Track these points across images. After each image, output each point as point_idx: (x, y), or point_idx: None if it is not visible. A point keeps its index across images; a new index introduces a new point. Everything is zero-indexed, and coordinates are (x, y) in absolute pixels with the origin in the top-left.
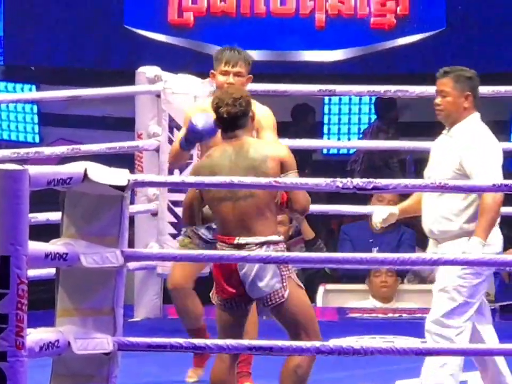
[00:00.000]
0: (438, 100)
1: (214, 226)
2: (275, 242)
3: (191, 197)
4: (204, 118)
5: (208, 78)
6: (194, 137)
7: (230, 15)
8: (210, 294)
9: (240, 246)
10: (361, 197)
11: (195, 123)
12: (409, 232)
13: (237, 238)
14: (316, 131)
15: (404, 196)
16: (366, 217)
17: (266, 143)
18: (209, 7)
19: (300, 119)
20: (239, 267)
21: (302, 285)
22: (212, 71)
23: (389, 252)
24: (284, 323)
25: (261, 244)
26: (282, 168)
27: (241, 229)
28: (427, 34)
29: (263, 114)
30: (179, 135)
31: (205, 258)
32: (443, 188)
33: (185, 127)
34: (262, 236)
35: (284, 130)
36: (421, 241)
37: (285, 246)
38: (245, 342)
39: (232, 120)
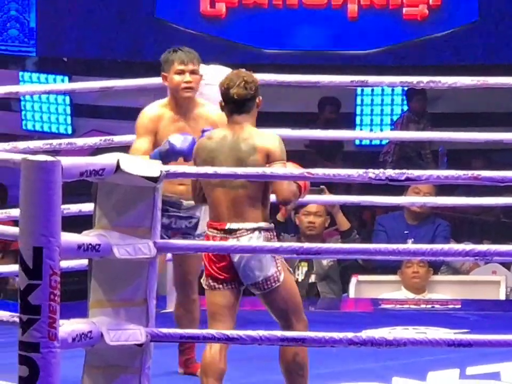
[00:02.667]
0: None
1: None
2: (266, 229)
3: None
4: (182, 139)
5: (241, 69)
6: (171, 158)
7: (262, 6)
8: (202, 280)
9: (231, 232)
10: (395, 188)
11: (174, 144)
12: (444, 224)
13: (228, 223)
14: (344, 123)
15: (439, 187)
16: (401, 209)
17: (260, 134)
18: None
19: (325, 111)
20: (232, 254)
21: (291, 269)
22: (164, 73)
23: (424, 243)
24: (275, 309)
25: (252, 230)
26: (268, 159)
27: (233, 215)
28: (459, 26)
29: (218, 114)
30: (137, 145)
31: (235, 249)
32: (476, 179)
33: (142, 135)
34: (254, 222)
35: (310, 121)
36: (455, 233)
37: (275, 233)
38: (278, 333)
39: (241, 102)
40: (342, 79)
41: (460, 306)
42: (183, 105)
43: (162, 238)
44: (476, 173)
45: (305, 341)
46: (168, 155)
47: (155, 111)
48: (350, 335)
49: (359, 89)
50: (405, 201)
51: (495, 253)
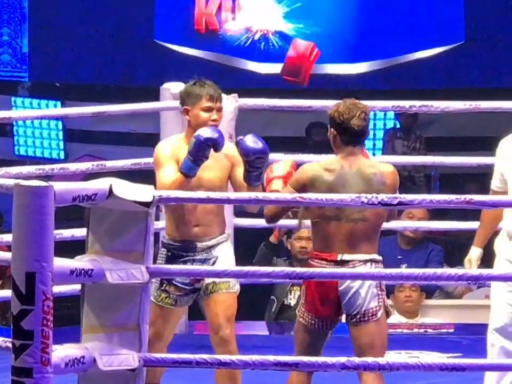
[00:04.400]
0: None
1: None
2: (377, 261)
3: (276, 211)
4: (210, 129)
5: (233, 94)
6: (203, 151)
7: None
8: (297, 311)
9: (343, 263)
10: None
11: (202, 134)
12: (437, 249)
13: (340, 254)
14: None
15: (433, 212)
16: (395, 233)
17: (380, 165)
18: (237, 22)
19: (312, 135)
20: (340, 283)
21: (390, 310)
22: (186, 106)
23: (418, 268)
24: (362, 343)
25: (365, 261)
26: (393, 190)
27: (346, 246)
28: (445, 48)
29: (234, 149)
30: (165, 173)
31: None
32: (468, 203)
33: (166, 164)
34: (367, 254)
35: (300, 146)
36: (448, 257)
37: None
38: (271, 358)
39: (360, 134)
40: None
41: (452, 330)
42: None
43: (180, 287)
44: (469, 197)
45: (299, 365)
46: (199, 147)
47: (174, 142)
48: (343, 359)
49: None
50: (398, 225)
51: (487, 277)
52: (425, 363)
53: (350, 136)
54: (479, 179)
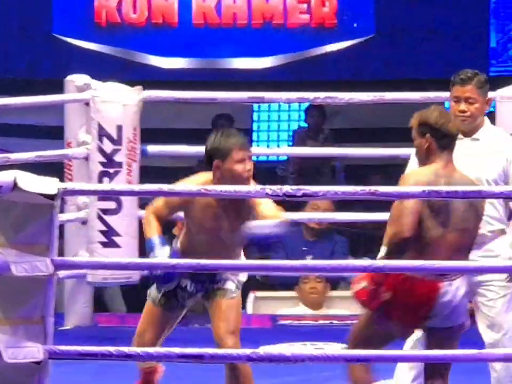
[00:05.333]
0: (463, 107)
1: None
2: None
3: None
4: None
5: (137, 87)
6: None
7: (158, 23)
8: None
9: (444, 274)
10: (294, 204)
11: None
12: (342, 240)
13: None
14: None
15: (338, 203)
16: (300, 225)
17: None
18: (138, 16)
19: (218, 127)
20: (441, 295)
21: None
22: (218, 160)
23: (323, 259)
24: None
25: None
26: None
27: (449, 258)
28: (356, 41)
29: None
30: (160, 204)
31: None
32: (373, 195)
33: (168, 204)
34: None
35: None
36: (353, 248)
37: None
38: (176, 350)
39: (456, 137)
40: (239, 96)
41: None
42: None
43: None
44: (373, 188)
45: (204, 357)
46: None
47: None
48: (248, 351)
49: (256, 105)
50: (303, 217)
51: (392, 267)
52: (331, 354)
53: (449, 141)
54: (384, 170)
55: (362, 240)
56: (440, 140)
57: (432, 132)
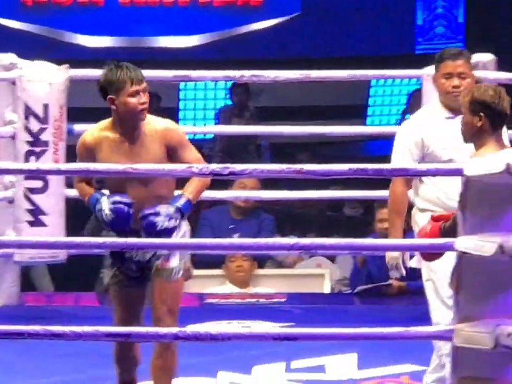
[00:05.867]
0: (457, 82)
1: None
2: None
3: None
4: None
5: (64, 65)
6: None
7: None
8: None
9: None
10: (221, 182)
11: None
12: (269, 218)
13: None
14: (167, 117)
15: (264, 182)
16: (226, 203)
17: None
18: None
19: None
20: None
21: None
22: (111, 96)
23: (250, 238)
24: None
25: None
26: None
27: None
28: (282, 19)
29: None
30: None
31: None
32: (299, 173)
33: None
34: None
35: None
36: (280, 227)
37: None
38: (103, 329)
39: (507, 116)
40: (164, 74)
41: (284, 300)
42: (134, 127)
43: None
44: (299, 166)
45: (131, 336)
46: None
47: (94, 136)
48: (174, 330)
49: (182, 84)
50: (229, 195)
51: (319, 246)
52: (257, 333)
53: (502, 120)
54: (310, 148)
55: (288, 218)
56: (495, 119)
57: (488, 110)
